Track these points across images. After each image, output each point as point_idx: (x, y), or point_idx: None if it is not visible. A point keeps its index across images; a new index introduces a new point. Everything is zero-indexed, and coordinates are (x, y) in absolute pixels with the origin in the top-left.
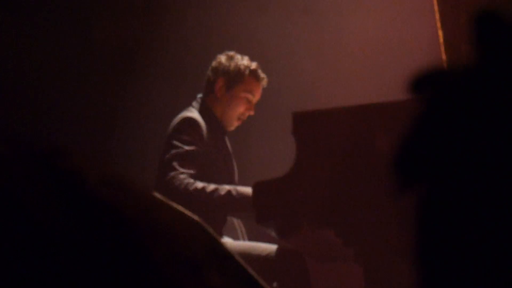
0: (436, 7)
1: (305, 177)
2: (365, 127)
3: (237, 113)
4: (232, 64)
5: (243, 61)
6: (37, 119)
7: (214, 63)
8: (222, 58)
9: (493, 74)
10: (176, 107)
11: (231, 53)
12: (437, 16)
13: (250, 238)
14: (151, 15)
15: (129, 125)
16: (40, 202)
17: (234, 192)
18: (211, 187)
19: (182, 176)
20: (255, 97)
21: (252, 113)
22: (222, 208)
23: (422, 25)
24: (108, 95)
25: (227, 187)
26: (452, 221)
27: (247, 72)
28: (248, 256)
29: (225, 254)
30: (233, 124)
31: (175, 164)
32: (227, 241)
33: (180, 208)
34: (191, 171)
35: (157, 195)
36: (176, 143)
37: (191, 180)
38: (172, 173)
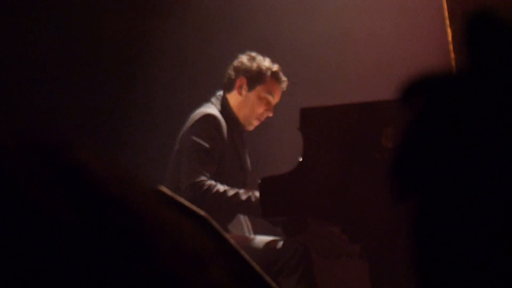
0: (444, 5)
1: (312, 173)
2: (371, 124)
3: (256, 113)
4: (254, 65)
5: (265, 62)
6: (43, 116)
7: (236, 62)
8: (244, 58)
9: (494, 74)
10: (184, 103)
11: (253, 53)
12: (446, 14)
13: (256, 233)
14: (158, 13)
15: (137, 121)
16: (45, 196)
17: (253, 198)
18: (231, 192)
19: (203, 177)
20: (275, 99)
21: (271, 114)
22: (241, 212)
23: (431, 23)
24: (115, 91)
25: (247, 192)
26: (453, 225)
27: (269, 73)
28: (254, 250)
29: (230, 250)
30: (252, 124)
31: (196, 161)
32: (233, 235)
33: (187, 203)
34: (212, 169)
35: (165, 189)
36: (197, 139)
37: (213, 183)
38: (195, 175)
